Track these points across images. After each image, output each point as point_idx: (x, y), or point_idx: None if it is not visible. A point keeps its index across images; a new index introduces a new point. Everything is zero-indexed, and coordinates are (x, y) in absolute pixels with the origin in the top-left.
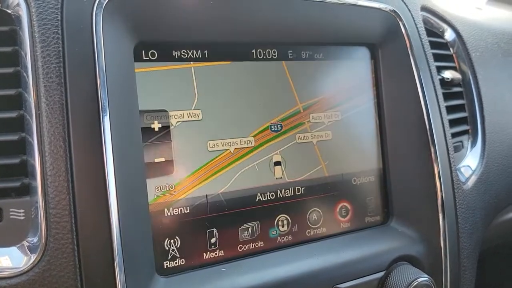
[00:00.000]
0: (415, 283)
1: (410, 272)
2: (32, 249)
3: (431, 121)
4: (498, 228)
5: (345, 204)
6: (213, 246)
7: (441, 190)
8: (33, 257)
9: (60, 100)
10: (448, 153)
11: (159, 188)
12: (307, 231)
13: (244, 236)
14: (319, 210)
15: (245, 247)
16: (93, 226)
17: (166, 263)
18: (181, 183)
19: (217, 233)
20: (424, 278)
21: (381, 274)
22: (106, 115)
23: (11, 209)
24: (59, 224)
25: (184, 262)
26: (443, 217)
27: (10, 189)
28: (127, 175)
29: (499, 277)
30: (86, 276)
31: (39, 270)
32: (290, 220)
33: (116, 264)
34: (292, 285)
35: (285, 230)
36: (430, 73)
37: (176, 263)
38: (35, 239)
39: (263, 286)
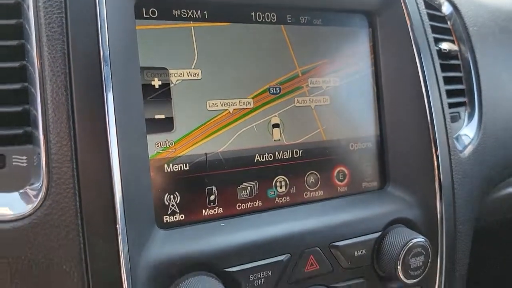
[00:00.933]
0: (411, 243)
1: (406, 233)
2: (34, 194)
3: (429, 89)
4: (495, 203)
5: (342, 168)
6: (212, 204)
7: (437, 156)
8: (36, 202)
9: (62, 49)
10: (445, 121)
11: (159, 144)
12: (305, 193)
13: (243, 195)
14: (317, 173)
15: (243, 206)
16: (94, 174)
17: (166, 217)
18: (181, 140)
19: (216, 191)
20: (420, 238)
21: (377, 234)
22: (107, 65)
23: (13, 156)
24: (60, 169)
25: (183, 217)
26: (439, 183)
27: (13, 136)
28: (128, 128)
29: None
30: (87, 221)
31: (41, 213)
32: (288, 182)
33: (117, 210)
34: (289, 242)
35: (283, 191)
36: (428, 43)
37: (175, 218)
38: (37, 185)
39: (261, 242)
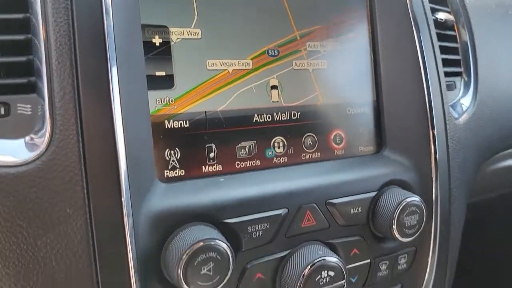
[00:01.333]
0: (405, 202)
1: (401, 193)
2: (38, 141)
3: (425, 56)
4: (488, 177)
5: (339, 132)
6: (211, 161)
7: (432, 121)
8: (40, 148)
9: (65, 1)
10: (441, 88)
11: (160, 101)
12: (302, 154)
13: (241, 154)
14: (314, 136)
15: (242, 164)
16: (97, 121)
17: (167, 172)
18: (181, 97)
19: (215, 149)
20: (415, 198)
21: (373, 194)
22: (109, 17)
23: (18, 105)
24: (64, 117)
25: (183, 173)
26: (435, 147)
27: (17, 86)
28: (130, 82)
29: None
30: (90, 167)
31: (46, 159)
32: (286, 143)
33: (119, 157)
34: (287, 197)
35: (281, 152)
36: (425, 11)
37: (176, 173)
38: (42, 132)
39: (259, 196)
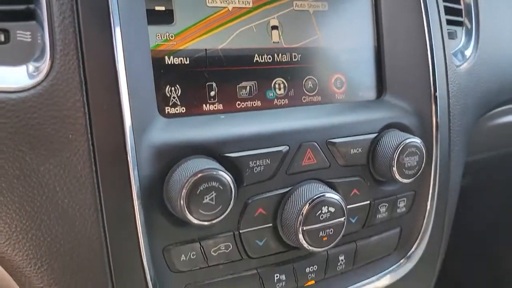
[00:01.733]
0: (405, 143)
1: (401, 134)
2: (39, 67)
3: (427, 1)
4: (488, 132)
5: (340, 76)
6: (212, 99)
7: (434, 66)
8: (41, 74)
9: None
10: (442, 34)
11: (160, 36)
12: (303, 97)
13: (242, 93)
14: (315, 79)
15: (243, 104)
16: (98, 47)
17: (168, 108)
18: (181, 33)
19: (216, 87)
20: (415, 139)
21: (373, 136)
22: None
23: (18, 32)
24: (64, 42)
25: (184, 110)
26: (435, 92)
27: (17, 12)
28: (129, 13)
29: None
30: (91, 93)
31: (47, 84)
32: (286, 85)
33: (120, 82)
34: (288, 135)
35: (281, 94)
36: None
37: (177, 110)
38: (42, 59)
39: (261, 133)
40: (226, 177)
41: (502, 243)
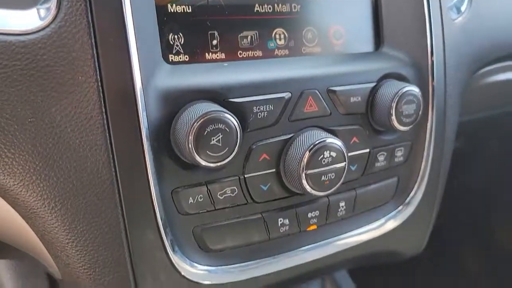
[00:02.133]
0: (403, 91)
1: (399, 84)
2: (47, 8)
3: None
4: (481, 91)
5: (339, 28)
6: (214, 48)
7: (430, 18)
8: (48, 16)
9: None
10: None
11: None
12: (303, 48)
13: (244, 43)
14: (314, 30)
15: (244, 54)
16: None
17: (172, 56)
18: None
19: (218, 36)
20: (413, 87)
21: (372, 85)
22: None
23: None
24: None
25: (187, 58)
26: (431, 43)
27: None
28: None
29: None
30: (100, 35)
31: (55, 26)
32: (286, 35)
33: (127, 26)
34: (290, 83)
35: (282, 44)
36: None
37: (180, 58)
38: (50, 1)
39: (263, 80)
40: (232, 119)
41: (492, 210)
